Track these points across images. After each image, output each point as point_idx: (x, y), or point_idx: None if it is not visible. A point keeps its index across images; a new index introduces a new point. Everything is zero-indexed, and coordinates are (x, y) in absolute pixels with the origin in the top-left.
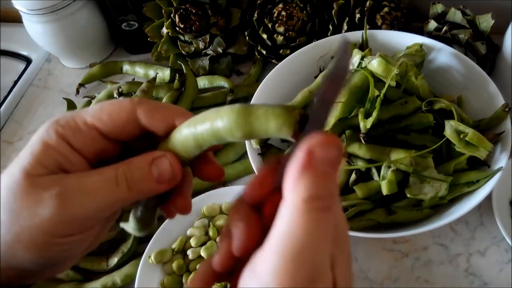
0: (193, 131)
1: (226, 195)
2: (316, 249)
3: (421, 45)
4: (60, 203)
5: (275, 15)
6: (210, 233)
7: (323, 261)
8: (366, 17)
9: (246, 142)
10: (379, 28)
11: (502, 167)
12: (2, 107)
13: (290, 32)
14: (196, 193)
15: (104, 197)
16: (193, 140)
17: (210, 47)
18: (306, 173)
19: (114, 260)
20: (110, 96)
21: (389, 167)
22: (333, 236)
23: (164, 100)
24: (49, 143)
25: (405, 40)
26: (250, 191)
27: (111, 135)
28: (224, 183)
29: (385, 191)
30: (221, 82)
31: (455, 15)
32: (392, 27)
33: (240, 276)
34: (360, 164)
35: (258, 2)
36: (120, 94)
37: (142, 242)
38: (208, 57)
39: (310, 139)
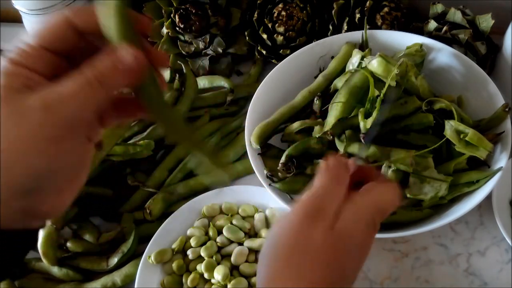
0: None
1: (226, 195)
2: (324, 196)
3: (421, 45)
4: (43, 108)
5: (275, 15)
6: (210, 233)
7: (327, 205)
8: (366, 17)
9: (246, 141)
10: (379, 28)
11: (502, 167)
12: None
13: (290, 32)
14: (196, 193)
15: (82, 99)
16: None
17: (210, 47)
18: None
19: (114, 260)
20: None
21: (389, 167)
22: (351, 199)
23: None
24: (9, 70)
25: (405, 40)
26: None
27: (56, 47)
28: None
29: None
30: (221, 82)
31: (455, 15)
32: (392, 27)
33: None
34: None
35: (258, 2)
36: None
37: (142, 242)
38: (208, 57)
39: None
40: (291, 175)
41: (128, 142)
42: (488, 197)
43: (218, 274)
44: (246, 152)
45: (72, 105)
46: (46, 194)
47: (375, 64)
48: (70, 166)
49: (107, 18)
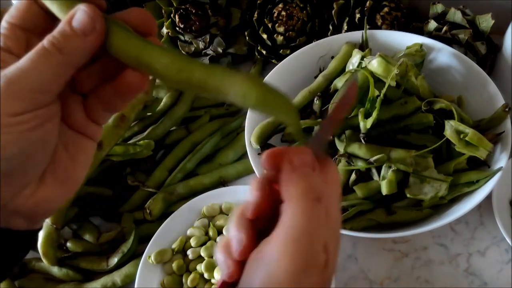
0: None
1: (226, 195)
2: (313, 235)
3: (421, 45)
4: (3, 82)
5: (275, 15)
6: (210, 233)
7: (318, 246)
8: (366, 17)
9: (246, 141)
10: (379, 28)
11: (502, 167)
12: None
13: (290, 32)
14: (196, 193)
15: (41, 67)
16: (177, 71)
17: (210, 47)
18: (293, 175)
19: (114, 260)
20: None
21: (390, 167)
22: (325, 224)
23: (164, 100)
24: None
25: (405, 40)
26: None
27: (30, 26)
28: (224, 183)
29: (384, 191)
30: None
31: (455, 15)
32: (392, 27)
33: (247, 263)
34: (360, 164)
35: (258, 2)
36: None
37: (142, 242)
38: (208, 57)
39: (287, 153)
40: None
41: (128, 142)
42: (488, 197)
43: (218, 274)
44: (246, 152)
45: (32, 74)
46: (20, 181)
47: (375, 64)
48: (44, 148)
49: None
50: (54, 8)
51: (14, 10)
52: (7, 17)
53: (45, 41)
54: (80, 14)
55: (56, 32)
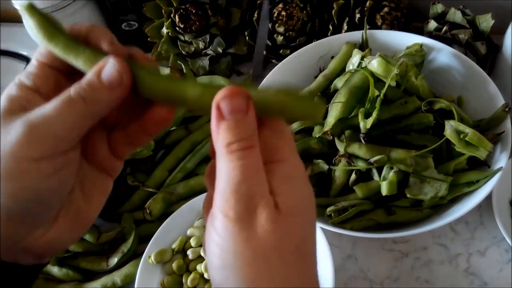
0: None
1: None
2: (247, 181)
3: (421, 45)
4: (26, 126)
5: (275, 15)
6: None
7: (257, 189)
8: (366, 17)
9: None
10: (379, 28)
11: (502, 167)
12: None
13: (290, 32)
14: (196, 193)
15: (65, 116)
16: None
17: (210, 47)
18: (220, 125)
19: (114, 260)
20: None
21: (391, 168)
22: (276, 171)
23: None
24: (11, 93)
25: (405, 40)
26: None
27: (58, 65)
28: None
29: (384, 191)
30: (221, 82)
31: (455, 15)
32: (392, 27)
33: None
34: (361, 164)
35: (258, 2)
36: None
37: (142, 242)
38: (208, 57)
39: (217, 95)
40: None
41: None
42: (488, 197)
43: None
44: None
45: (55, 123)
46: (32, 223)
47: (375, 64)
48: (60, 194)
49: (43, 40)
50: (79, 64)
51: (40, 49)
52: (37, 55)
53: (72, 90)
54: (109, 67)
55: (84, 82)
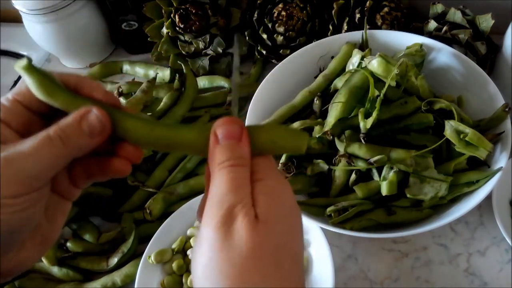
0: None
1: None
2: (232, 192)
3: (421, 45)
4: (6, 163)
5: (275, 15)
6: None
7: (240, 200)
8: (366, 17)
9: None
10: (379, 28)
11: (502, 167)
12: None
13: (290, 32)
14: (196, 193)
15: (42, 156)
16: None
17: (210, 47)
18: (215, 148)
19: (114, 260)
20: None
21: (391, 168)
22: (258, 187)
23: (164, 100)
24: None
25: (405, 40)
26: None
27: (33, 106)
28: None
29: (384, 191)
30: (221, 82)
31: (455, 15)
32: (392, 27)
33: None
34: (361, 165)
35: (258, 2)
36: (120, 94)
37: (142, 242)
38: (208, 57)
39: (215, 123)
40: (291, 175)
41: None
42: (488, 197)
43: None
44: None
45: (32, 161)
46: (5, 250)
47: (375, 64)
48: (32, 223)
49: (44, 97)
50: (56, 104)
51: (19, 88)
52: (15, 93)
53: (51, 131)
54: (92, 117)
55: (64, 125)
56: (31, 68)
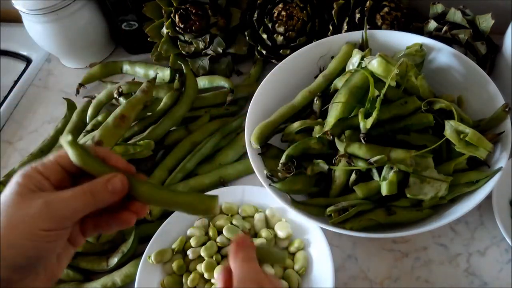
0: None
1: (226, 195)
2: (248, 281)
3: (421, 45)
4: (45, 206)
5: (275, 15)
6: (210, 233)
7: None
8: (366, 17)
9: (246, 141)
10: (379, 28)
11: (502, 167)
12: (2, 107)
13: (290, 32)
14: None
15: (76, 202)
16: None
17: (210, 47)
18: (235, 252)
19: (114, 260)
20: (110, 96)
21: (391, 168)
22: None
23: (164, 100)
24: (28, 174)
25: (405, 40)
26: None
27: (67, 168)
28: (224, 183)
29: (384, 191)
30: (221, 82)
31: (455, 15)
32: (392, 27)
33: None
34: (361, 164)
35: (258, 2)
36: (120, 94)
37: (142, 242)
38: (208, 57)
39: (234, 239)
40: (291, 175)
41: (128, 142)
42: (488, 197)
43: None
44: (246, 152)
45: (67, 205)
46: (30, 271)
47: (375, 64)
48: (53, 253)
49: (82, 165)
50: (89, 169)
51: (59, 153)
52: (57, 156)
53: (85, 187)
54: (116, 181)
55: (95, 184)
56: (73, 143)
